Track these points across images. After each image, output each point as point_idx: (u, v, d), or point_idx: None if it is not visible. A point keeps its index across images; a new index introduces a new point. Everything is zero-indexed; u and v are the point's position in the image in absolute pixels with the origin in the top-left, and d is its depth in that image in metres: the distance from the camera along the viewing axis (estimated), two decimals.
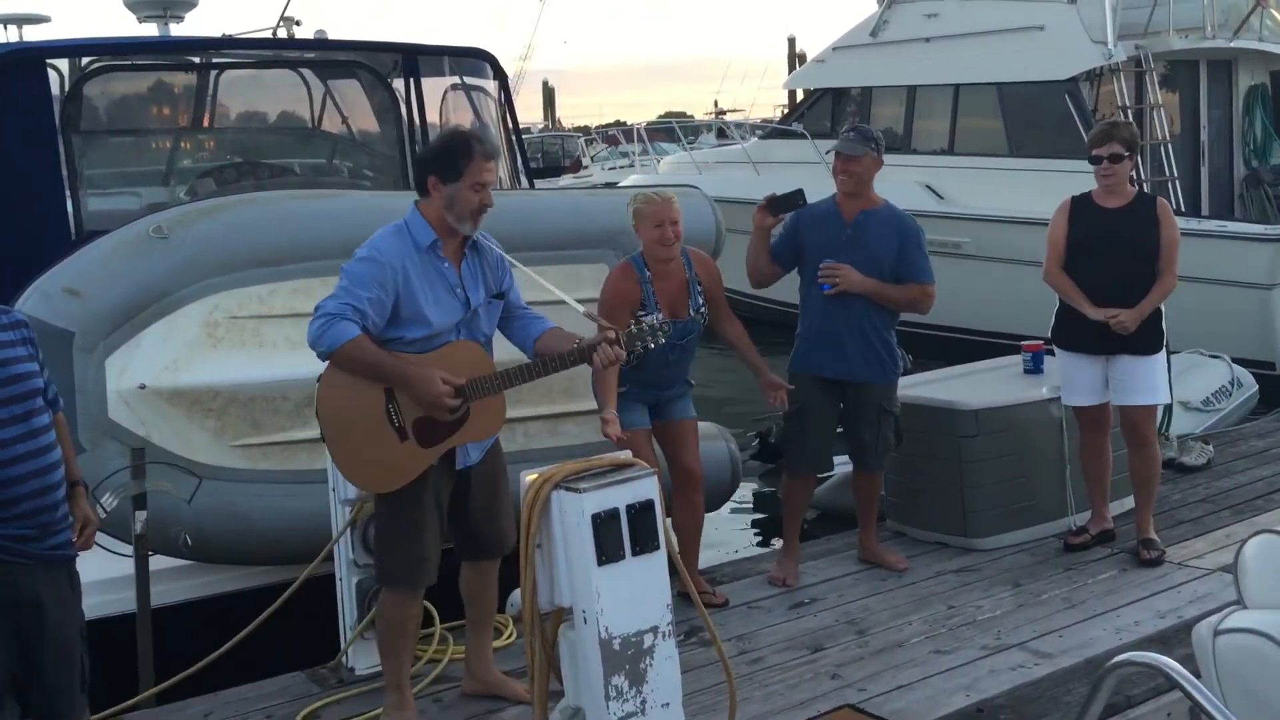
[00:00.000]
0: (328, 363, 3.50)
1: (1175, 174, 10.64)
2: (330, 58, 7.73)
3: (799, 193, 4.77)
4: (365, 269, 3.47)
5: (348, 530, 4.15)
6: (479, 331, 3.69)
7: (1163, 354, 5.05)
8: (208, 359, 4.56)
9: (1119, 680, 2.16)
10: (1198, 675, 1.96)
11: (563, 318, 3.89)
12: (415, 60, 7.01)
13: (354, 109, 7.69)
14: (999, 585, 4.89)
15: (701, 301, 4.63)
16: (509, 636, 4.44)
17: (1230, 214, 11.64)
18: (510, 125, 7.53)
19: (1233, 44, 11.61)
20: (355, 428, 3.53)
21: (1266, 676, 1.82)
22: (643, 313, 4.44)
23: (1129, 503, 5.44)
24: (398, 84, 7.05)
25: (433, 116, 7.17)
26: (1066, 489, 5.42)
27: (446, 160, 3.56)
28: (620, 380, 4.54)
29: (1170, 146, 10.77)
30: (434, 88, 7.30)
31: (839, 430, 5.07)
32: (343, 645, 4.23)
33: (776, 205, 4.75)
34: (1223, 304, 9.38)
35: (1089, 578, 4.92)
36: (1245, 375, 8.55)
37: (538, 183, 9.05)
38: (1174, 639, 4.25)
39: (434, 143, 3.76)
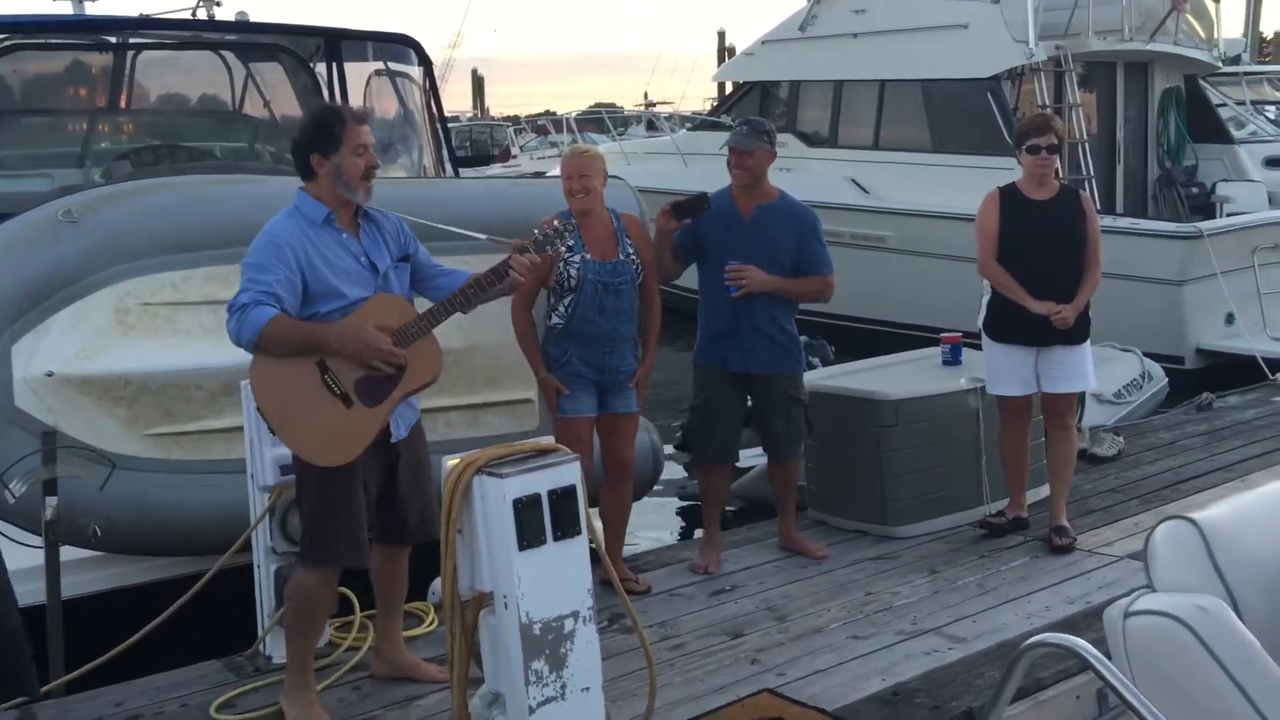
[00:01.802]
0: (255, 354, 3.47)
1: (1091, 173, 10.88)
2: (252, 40, 7.61)
3: (703, 196, 4.79)
4: (264, 254, 3.48)
5: (266, 517, 4.10)
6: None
7: (1089, 341, 5.19)
8: (119, 346, 4.47)
9: (1031, 663, 2.21)
10: (1109, 656, 2.02)
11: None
12: (338, 45, 6.94)
13: (276, 93, 7.58)
14: (915, 572, 4.98)
15: (633, 251, 4.64)
16: (430, 624, 4.42)
17: (1144, 213, 11.93)
18: (435, 113, 7.47)
19: (1149, 47, 11.90)
20: (297, 407, 3.49)
21: (1174, 657, 1.88)
22: (570, 254, 4.46)
23: (1042, 492, 5.58)
24: (320, 68, 6.97)
25: (356, 102, 7.10)
26: (982, 478, 5.53)
27: (323, 134, 3.58)
28: (559, 344, 4.55)
29: (1087, 146, 11.02)
30: (357, 73, 7.24)
31: (750, 422, 5.13)
32: (259, 633, 4.18)
33: (680, 210, 4.76)
34: (1135, 299, 9.63)
35: (1002, 564, 5.03)
36: (1156, 369, 8.80)
37: (467, 172, 9.01)
38: (1083, 624, 4.36)
39: (305, 124, 3.77)
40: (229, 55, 7.43)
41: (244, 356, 3.53)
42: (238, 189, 5.03)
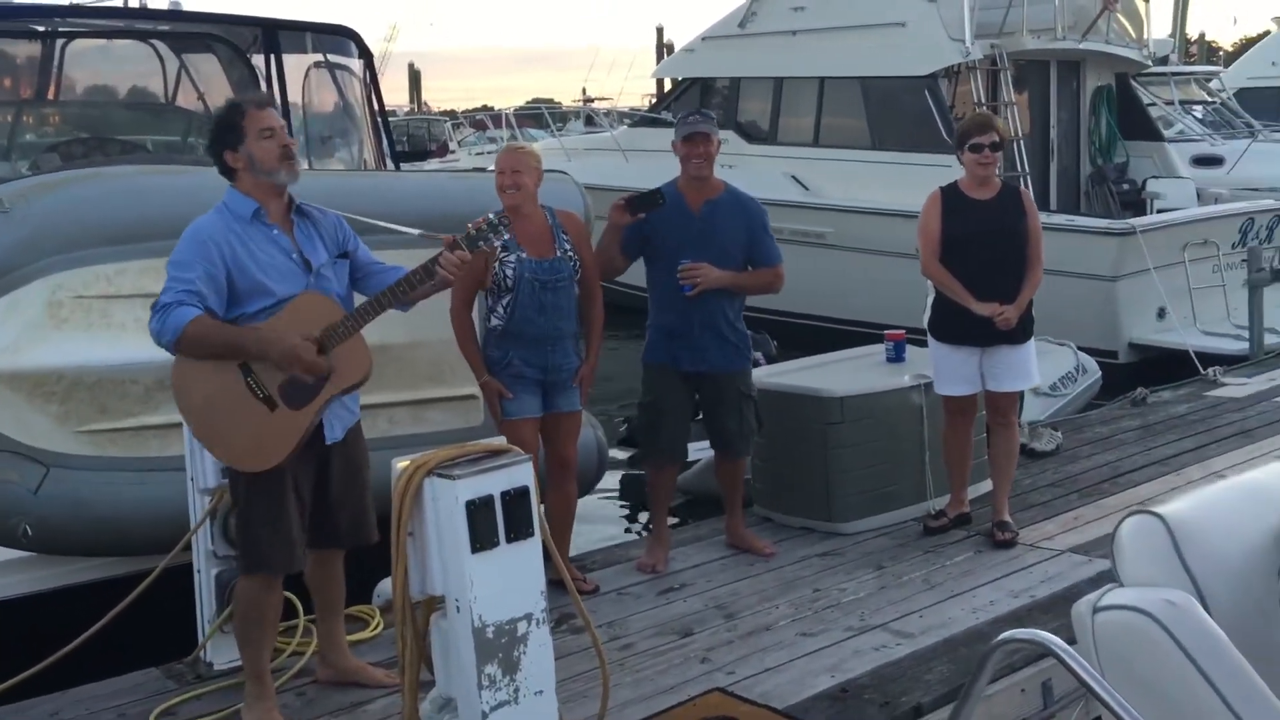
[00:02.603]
0: (176, 355, 3.38)
1: (1027, 170, 11.05)
2: (185, 29, 7.42)
3: (658, 192, 4.77)
4: (187, 251, 3.40)
5: (207, 520, 4.00)
6: (330, 293, 3.60)
7: (1032, 339, 5.24)
8: (51, 340, 4.33)
9: (1001, 659, 2.21)
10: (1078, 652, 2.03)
11: None
12: (276, 35, 6.79)
13: (211, 84, 7.40)
14: (862, 568, 5.00)
15: (570, 249, 4.59)
16: (375, 628, 4.35)
17: (1077, 209, 12.15)
18: (376, 106, 7.36)
19: (1082, 46, 12.11)
20: (220, 412, 3.41)
21: (1143, 651, 1.89)
22: (505, 253, 4.41)
23: (984, 487, 5.64)
24: (258, 60, 6.82)
25: (295, 95, 6.96)
26: (925, 474, 5.57)
27: (226, 129, 3.54)
28: (500, 345, 4.49)
29: (1022, 144, 11.17)
30: (296, 65, 7.09)
31: (698, 419, 5.12)
32: (200, 639, 4.08)
33: (635, 204, 4.73)
34: (1069, 294, 9.77)
35: (947, 559, 5.08)
36: (1090, 362, 8.95)
37: (405, 166, 8.87)
38: (1027, 618, 4.42)
39: (211, 127, 3.71)
40: (161, 45, 7.24)
41: None
42: (174, 179, 4.91)
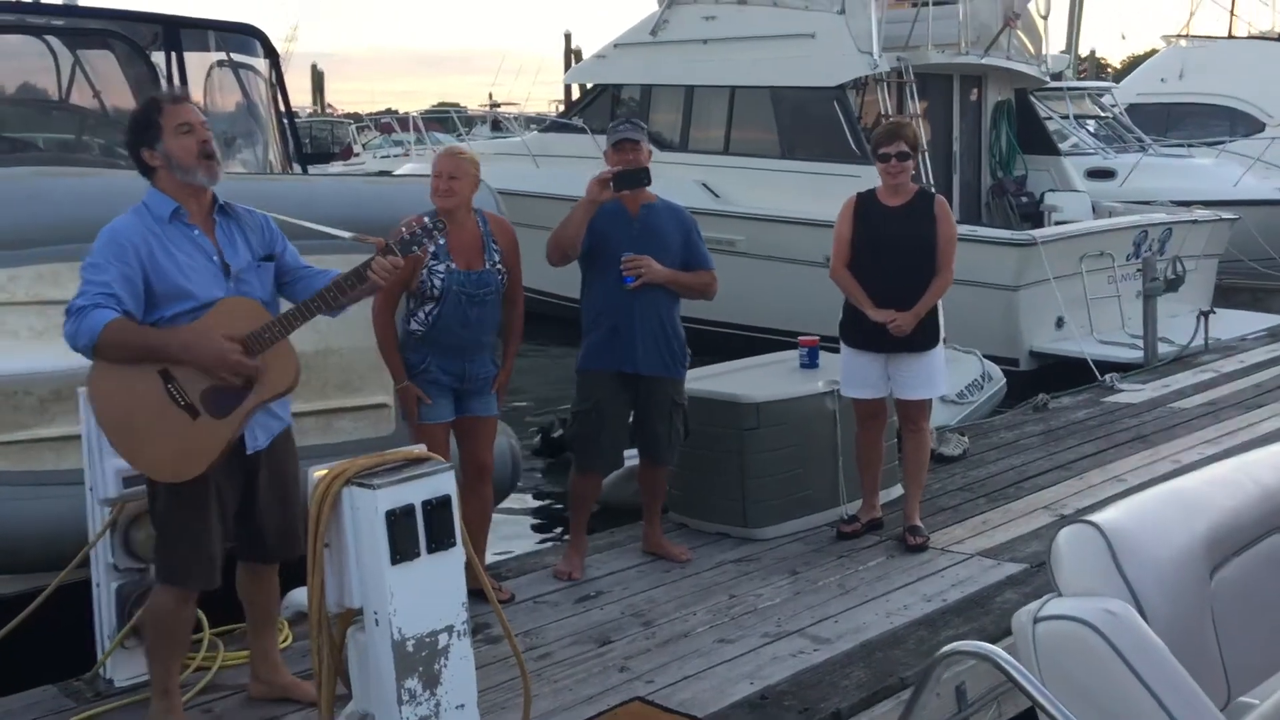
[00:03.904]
0: (93, 360, 3.24)
1: (931, 182, 11.26)
2: (81, 25, 7.17)
3: (645, 171, 4.78)
4: (102, 253, 3.27)
5: (107, 533, 3.85)
6: (252, 297, 3.48)
7: (940, 348, 5.31)
8: None
9: (933, 664, 2.22)
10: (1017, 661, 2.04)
11: None
12: (177, 33, 6.62)
13: (108, 82, 7.16)
14: (777, 574, 5.03)
15: (499, 260, 4.54)
16: (284, 640, 4.23)
17: (979, 221, 12.42)
18: (282, 107, 7.20)
19: (983, 60, 12.39)
20: (140, 421, 3.27)
21: (1083, 660, 1.92)
22: (434, 261, 4.34)
23: (895, 492, 5.71)
24: (158, 58, 6.63)
25: (197, 94, 6.77)
26: (839, 479, 5.63)
27: (142, 128, 3.42)
28: (419, 350, 4.42)
29: (926, 155, 11.39)
30: (198, 63, 6.91)
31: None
32: (99, 655, 3.92)
33: (621, 180, 4.71)
34: (974, 303, 9.99)
35: (860, 564, 5.12)
36: (995, 370, 9.16)
37: (310, 169, 8.69)
38: (940, 621, 4.48)
39: (128, 126, 3.57)
40: (55, 41, 6.99)
41: (78, 360, 3.30)
42: (69, 182, 4.74)
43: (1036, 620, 1.98)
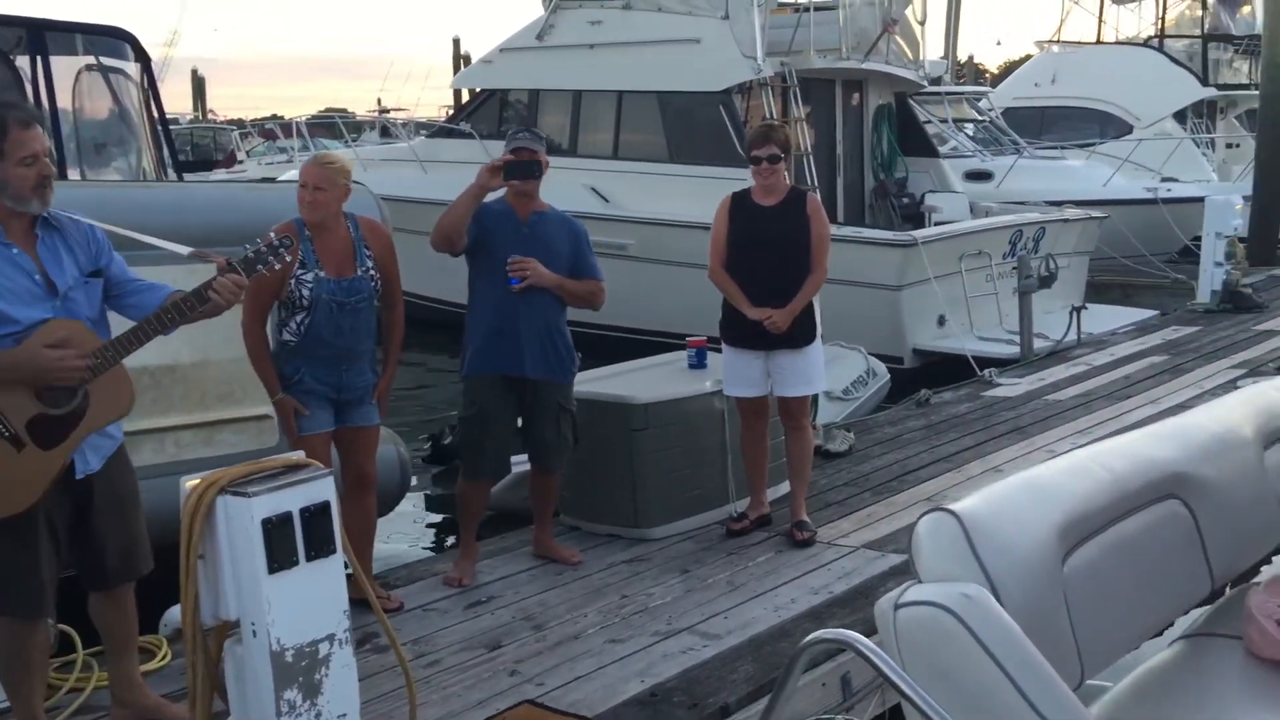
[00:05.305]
0: None
1: (815, 184, 11.46)
2: None
3: (536, 163, 4.79)
4: None
5: None
6: (79, 317, 3.32)
7: (818, 344, 5.41)
8: None
9: (797, 655, 2.26)
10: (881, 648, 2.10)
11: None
12: (43, 36, 6.40)
13: None
14: (668, 573, 5.07)
15: (371, 266, 4.46)
16: (163, 658, 4.12)
17: (862, 221, 12.70)
18: (155, 113, 7.02)
19: (864, 65, 12.68)
20: None
21: (942, 644, 1.97)
22: (302, 270, 4.27)
23: (784, 488, 5.80)
24: (22, 61, 6.41)
25: (64, 100, 6.57)
26: (728, 477, 5.69)
27: None
28: (292, 361, 4.34)
29: (811, 158, 11.60)
30: (66, 67, 6.70)
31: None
32: None
33: (512, 170, 4.71)
34: (858, 303, 10.21)
35: (749, 560, 5.20)
36: (879, 366, 9.36)
37: (190, 177, 8.49)
38: (826, 613, 4.57)
39: None
40: None
41: None
42: None
43: (897, 607, 2.05)
